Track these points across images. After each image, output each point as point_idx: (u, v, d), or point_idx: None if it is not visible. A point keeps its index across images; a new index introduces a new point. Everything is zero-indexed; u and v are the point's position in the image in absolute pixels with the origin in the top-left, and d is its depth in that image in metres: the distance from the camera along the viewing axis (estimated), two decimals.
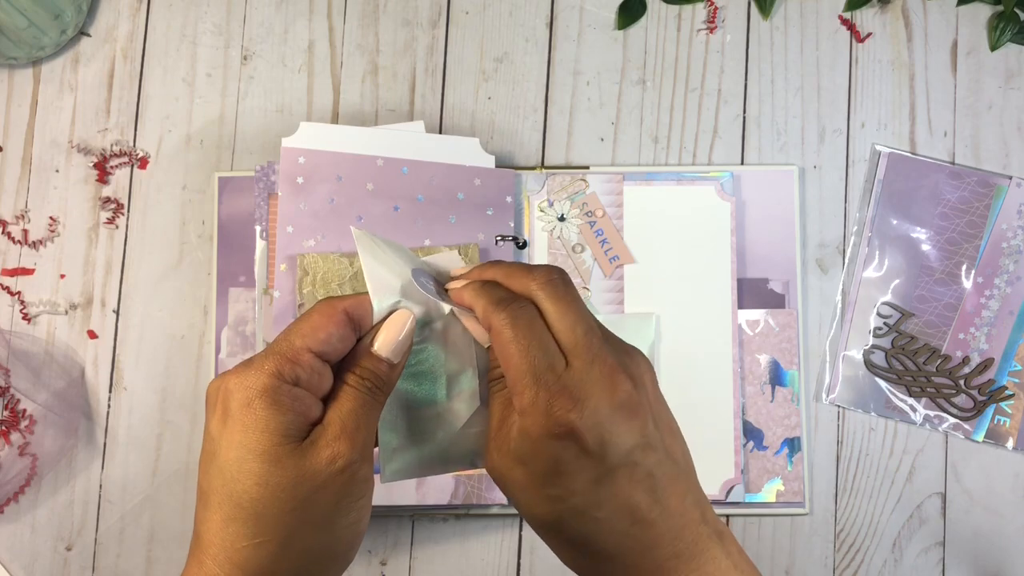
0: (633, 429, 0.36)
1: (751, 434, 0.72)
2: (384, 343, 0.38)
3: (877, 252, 0.74)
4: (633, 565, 0.36)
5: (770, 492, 0.71)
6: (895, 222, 0.74)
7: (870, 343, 0.74)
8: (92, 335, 0.75)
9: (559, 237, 0.74)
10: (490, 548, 0.72)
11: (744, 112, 0.77)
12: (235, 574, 0.35)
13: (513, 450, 0.36)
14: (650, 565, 0.36)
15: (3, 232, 0.76)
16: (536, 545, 0.73)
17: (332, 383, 0.38)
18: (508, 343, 0.36)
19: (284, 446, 0.35)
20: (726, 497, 0.71)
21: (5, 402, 0.74)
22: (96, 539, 0.73)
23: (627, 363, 0.37)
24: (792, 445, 0.72)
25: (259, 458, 0.35)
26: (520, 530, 0.73)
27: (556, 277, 0.38)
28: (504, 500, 0.70)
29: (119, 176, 0.77)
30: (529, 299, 0.38)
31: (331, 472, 0.35)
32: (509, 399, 0.37)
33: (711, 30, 0.77)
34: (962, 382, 0.73)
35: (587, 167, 0.76)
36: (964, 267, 0.74)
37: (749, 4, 0.78)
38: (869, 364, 0.73)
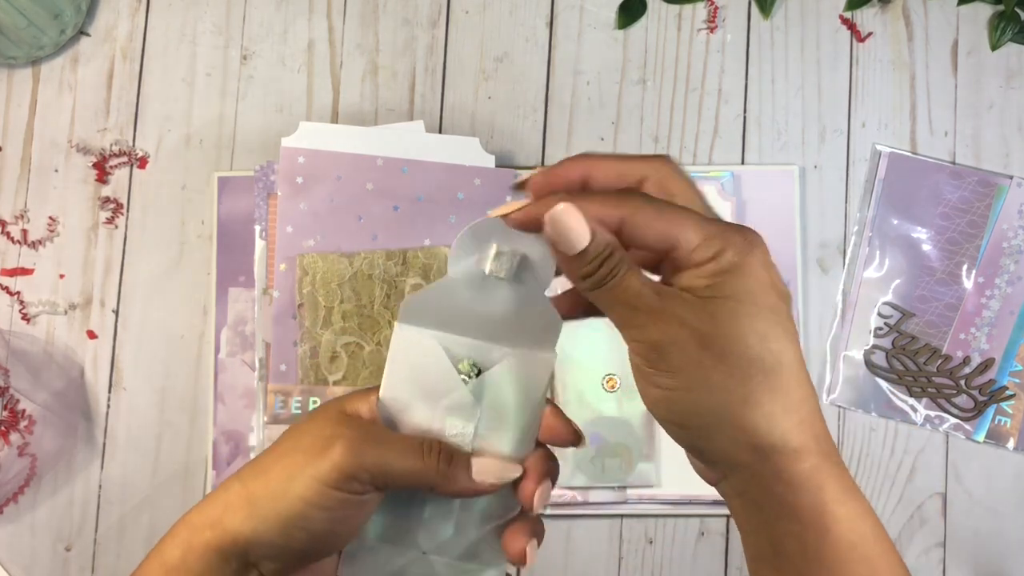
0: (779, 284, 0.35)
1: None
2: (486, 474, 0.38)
3: (878, 252, 0.74)
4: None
5: None
6: (896, 222, 0.74)
7: (871, 343, 0.74)
8: (91, 335, 0.75)
9: None
10: None
11: (744, 112, 0.76)
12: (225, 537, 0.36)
13: (714, 287, 0.33)
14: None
15: (2, 232, 0.76)
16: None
17: None
18: (656, 206, 0.34)
19: (339, 493, 0.35)
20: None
21: (4, 402, 0.74)
22: (95, 539, 0.73)
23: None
24: None
25: (312, 486, 0.35)
26: None
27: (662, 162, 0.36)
28: None
29: (118, 176, 0.77)
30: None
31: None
32: (640, 279, 0.34)
33: (711, 30, 0.77)
34: (963, 382, 0.73)
35: None
36: (965, 267, 0.74)
37: (749, 4, 0.77)
38: (870, 364, 0.73)
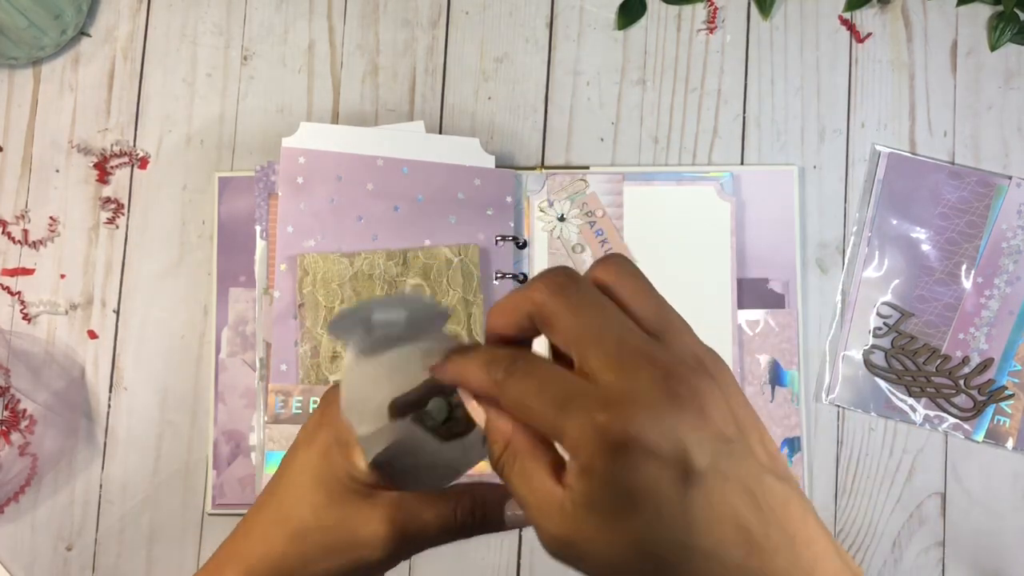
0: (707, 429, 0.28)
1: None
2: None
3: (877, 252, 0.74)
4: None
5: None
6: (895, 222, 0.74)
7: (870, 343, 0.74)
8: (92, 335, 0.75)
9: (559, 237, 0.74)
10: (490, 548, 0.72)
11: (744, 112, 0.77)
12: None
13: (577, 499, 0.28)
14: None
15: (3, 232, 0.76)
16: (536, 546, 0.72)
17: None
18: (521, 398, 0.30)
19: (347, 492, 0.36)
20: None
21: (5, 402, 0.74)
22: (96, 539, 0.73)
23: (686, 359, 0.29)
24: (792, 445, 0.72)
25: (320, 489, 0.36)
26: (520, 530, 0.73)
27: (554, 282, 0.30)
28: None
29: (119, 176, 0.77)
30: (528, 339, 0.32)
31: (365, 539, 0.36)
32: (541, 468, 0.30)
33: (711, 30, 0.77)
34: (962, 382, 0.73)
35: (587, 167, 0.76)
36: (964, 267, 0.74)
37: (749, 4, 0.78)
38: (869, 364, 0.73)
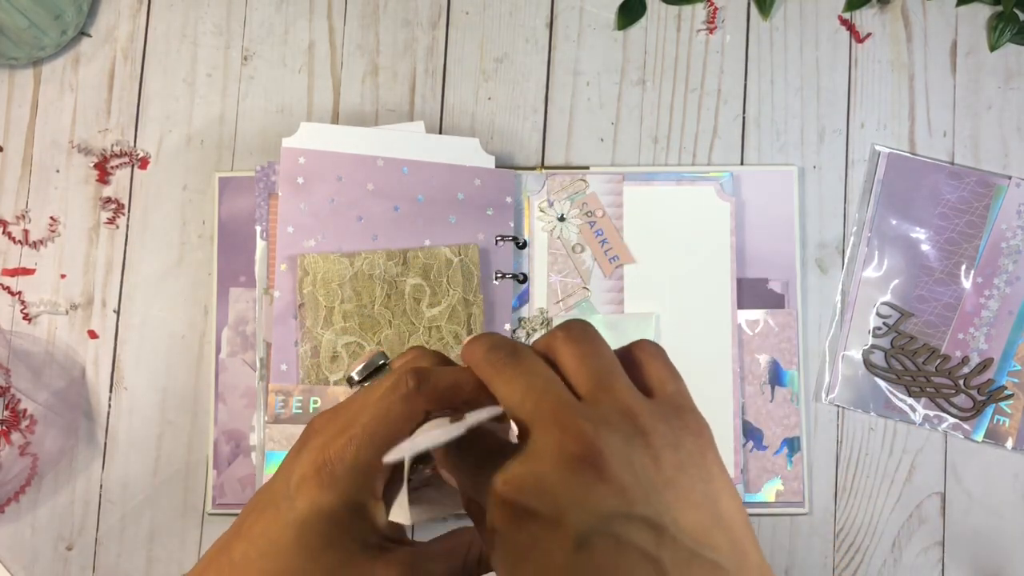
0: (601, 493, 0.27)
1: (751, 434, 0.72)
2: None
3: (876, 252, 0.74)
4: None
5: (770, 492, 0.72)
6: (894, 222, 0.75)
7: (869, 343, 0.74)
8: (92, 335, 0.75)
9: (559, 237, 0.74)
10: None
11: (744, 112, 0.77)
12: None
13: (492, 551, 0.30)
14: None
15: (4, 232, 0.76)
16: None
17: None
18: (452, 448, 0.32)
19: (365, 549, 0.35)
20: None
21: (6, 402, 0.74)
22: (97, 539, 0.73)
23: (609, 418, 0.29)
24: (792, 445, 0.72)
25: (334, 551, 0.34)
26: None
27: (491, 355, 0.32)
28: None
29: (119, 176, 0.77)
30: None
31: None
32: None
33: (711, 30, 0.77)
34: (961, 382, 0.73)
35: (587, 167, 0.76)
36: (963, 267, 0.74)
37: (749, 4, 0.78)
38: (868, 364, 0.74)
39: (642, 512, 0.28)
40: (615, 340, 0.34)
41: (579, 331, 0.32)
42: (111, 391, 0.75)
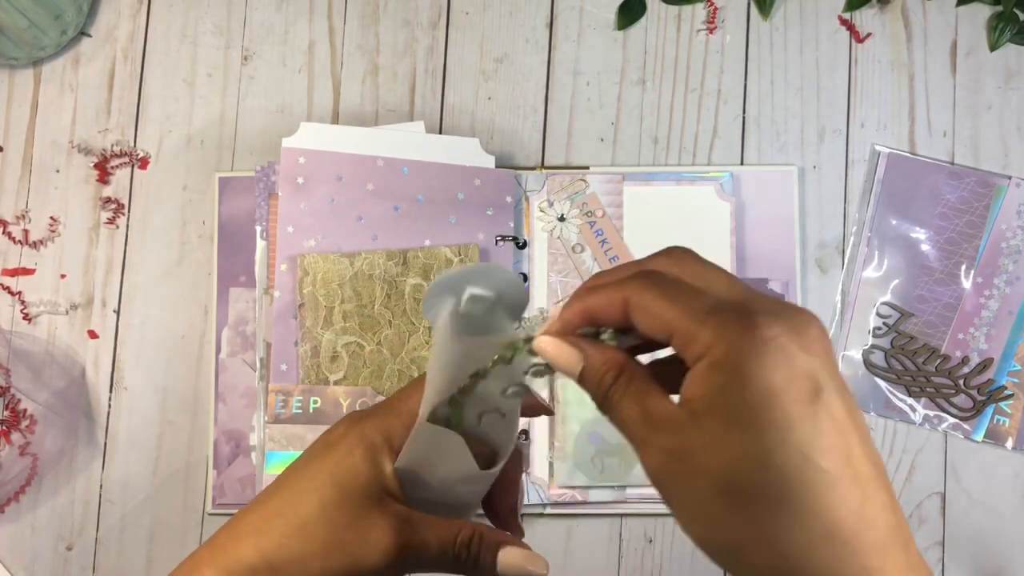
0: (826, 359, 0.28)
1: None
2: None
3: (876, 252, 0.74)
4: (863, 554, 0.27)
5: None
6: (894, 222, 0.75)
7: (869, 343, 0.74)
8: (92, 335, 0.75)
9: (559, 237, 0.74)
10: None
11: (744, 112, 0.77)
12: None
13: (699, 407, 0.28)
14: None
15: (4, 232, 0.76)
16: (536, 546, 0.72)
17: None
18: (655, 302, 0.30)
19: (362, 494, 0.36)
20: None
21: (6, 402, 0.74)
22: (97, 539, 0.73)
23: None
24: None
25: (334, 488, 0.36)
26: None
27: (646, 278, 0.31)
28: None
29: (120, 176, 0.77)
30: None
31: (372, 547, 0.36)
32: (654, 388, 0.31)
33: (711, 30, 0.77)
34: (961, 382, 0.73)
35: (587, 167, 0.76)
36: (963, 267, 0.74)
37: (749, 4, 0.78)
38: (868, 364, 0.74)
39: (846, 388, 0.29)
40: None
41: (693, 255, 0.33)
42: (111, 391, 0.75)
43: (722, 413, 0.28)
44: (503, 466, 0.39)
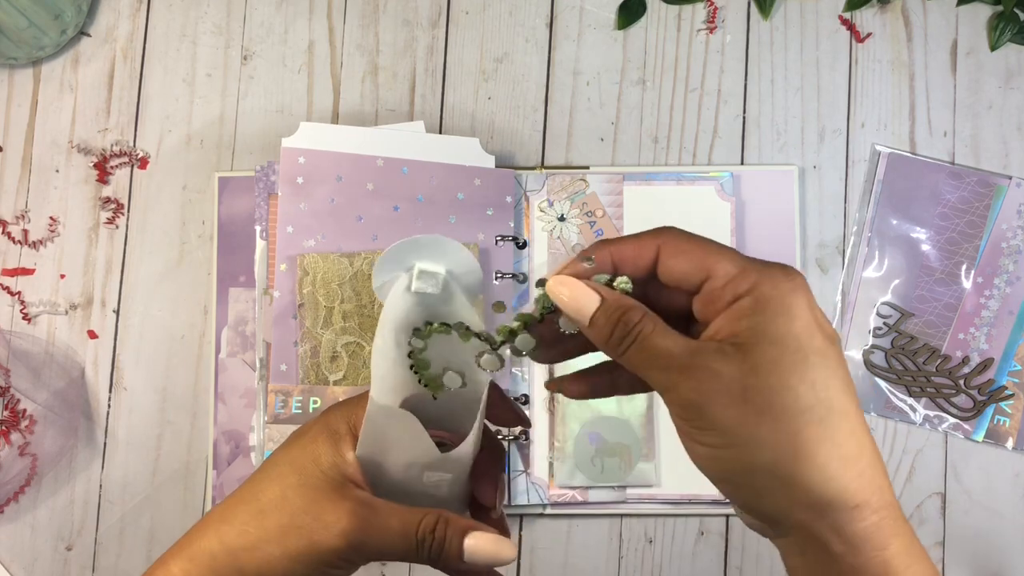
0: (823, 318, 0.32)
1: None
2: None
3: (877, 252, 0.74)
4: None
5: None
6: (895, 222, 0.74)
7: (870, 343, 0.74)
8: (92, 335, 0.75)
9: (559, 237, 0.74)
10: None
11: (744, 112, 0.77)
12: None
13: (751, 331, 0.31)
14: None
15: (3, 232, 0.76)
16: (536, 545, 0.73)
17: None
18: (689, 237, 0.33)
19: (322, 479, 0.36)
20: (726, 497, 0.71)
21: (5, 402, 0.74)
22: (96, 539, 0.73)
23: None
24: None
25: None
26: (520, 530, 0.73)
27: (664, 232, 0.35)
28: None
29: (119, 176, 0.77)
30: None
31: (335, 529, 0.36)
32: (670, 329, 0.32)
33: (711, 30, 0.77)
34: (962, 382, 0.73)
35: (587, 167, 0.76)
36: (964, 267, 0.74)
37: (749, 4, 0.78)
38: (869, 364, 0.73)
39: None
40: None
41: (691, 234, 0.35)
42: (111, 391, 0.74)
43: (772, 341, 0.30)
44: (473, 454, 0.39)
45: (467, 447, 0.38)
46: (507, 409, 0.41)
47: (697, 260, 0.32)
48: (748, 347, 0.30)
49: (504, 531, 0.40)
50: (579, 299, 0.33)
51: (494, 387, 0.39)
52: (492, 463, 0.41)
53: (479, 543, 0.36)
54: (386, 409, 0.37)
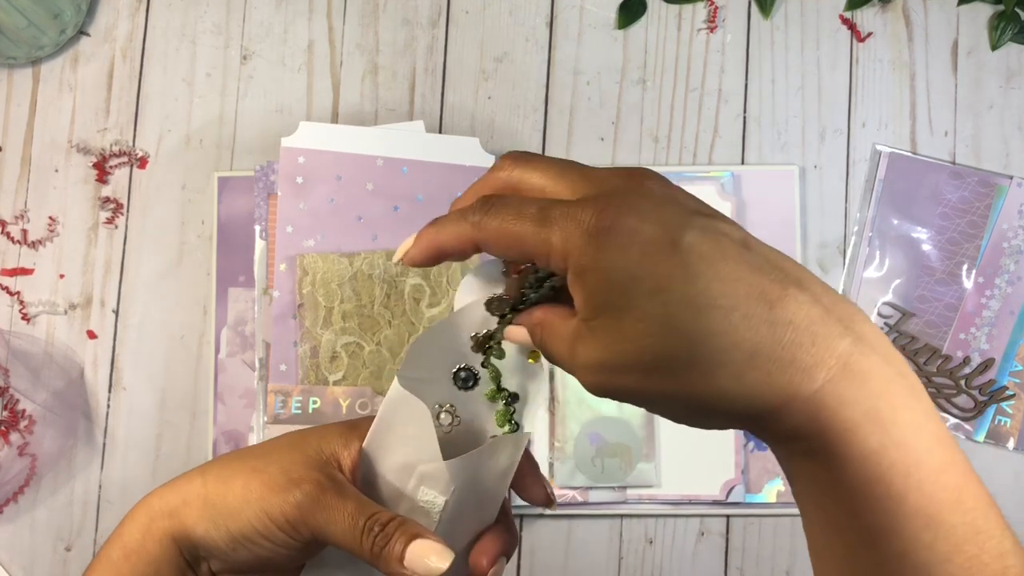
0: (679, 206, 0.29)
1: (751, 435, 0.72)
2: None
3: (878, 252, 0.74)
4: (788, 376, 0.27)
5: (770, 493, 0.71)
6: (896, 222, 0.74)
7: None
8: (91, 335, 0.75)
9: None
10: None
11: (744, 112, 0.77)
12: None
13: (586, 312, 0.30)
14: (809, 380, 0.27)
15: (2, 232, 0.76)
16: (536, 546, 0.72)
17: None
18: (502, 227, 0.31)
19: (283, 535, 0.36)
20: (726, 497, 0.71)
21: (4, 402, 0.74)
22: (96, 539, 0.73)
23: (633, 175, 0.32)
24: None
25: (262, 519, 0.36)
26: (520, 531, 0.73)
27: (504, 162, 0.33)
28: None
29: (118, 176, 0.77)
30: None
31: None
32: (561, 319, 0.32)
33: (711, 30, 0.77)
34: (963, 382, 0.73)
35: None
36: (965, 267, 0.74)
37: (749, 4, 0.77)
38: None
39: (719, 220, 0.29)
40: None
41: (517, 157, 0.34)
42: (110, 391, 0.74)
43: (605, 310, 0.29)
44: (484, 518, 0.38)
45: (473, 458, 0.37)
46: (537, 483, 0.39)
47: (511, 247, 0.31)
48: (592, 326, 0.30)
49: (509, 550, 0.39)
50: (520, 340, 0.35)
51: (528, 457, 0.38)
52: (501, 540, 0.39)
53: (424, 549, 0.34)
54: (404, 395, 0.36)
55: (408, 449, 0.37)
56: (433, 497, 0.37)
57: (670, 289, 0.28)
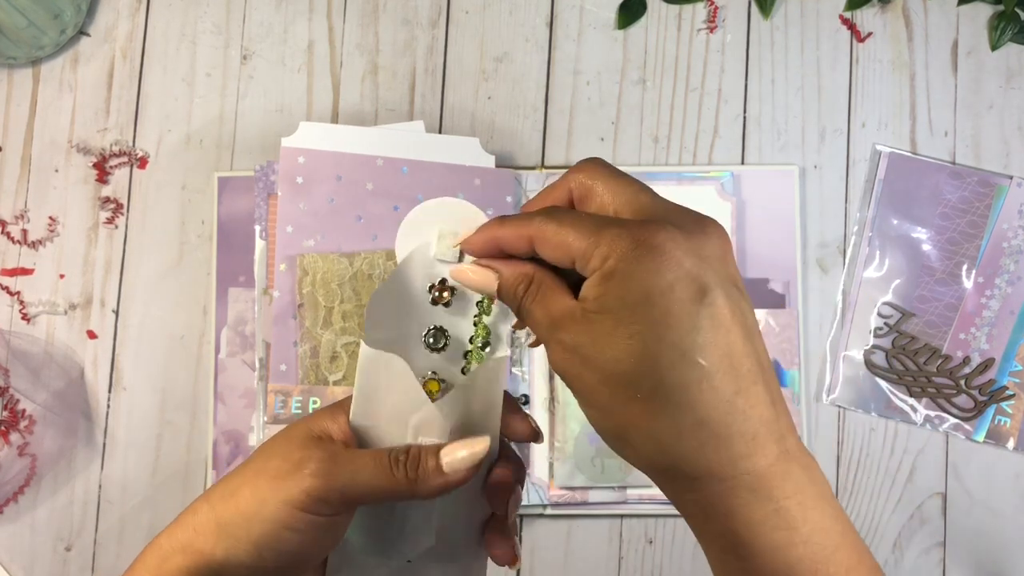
0: (721, 264, 0.31)
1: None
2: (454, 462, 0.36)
3: (878, 252, 0.74)
4: (740, 457, 0.30)
5: None
6: (896, 222, 0.74)
7: (870, 343, 0.74)
8: (91, 335, 0.75)
9: None
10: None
11: (744, 112, 0.77)
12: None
13: (591, 305, 0.31)
14: (753, 466, 0.30)
15: (3, 232, 0.76)
16: (537, 546, 0.72)
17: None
18: (559, 229, 0.32)
19: (310, 516, 0.36)
20: None
21: (4, 402, 0.74)
22: (96, 539, 0.73)
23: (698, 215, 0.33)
24: None
25: (283, 510, 0.36)
26: (520, 531, 0.73)
27: (582, 168, 0.35)
28: None
29: (118, 176, 0.77)
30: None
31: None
32: (558, 290, 0.34)
33: (711, 30, 0.77)
34: (963, 382, 0.73)
35: None
36: (965, 267, 0.74)
37: (749, 4, 0.77)
38: (870, 364, 0.73)
39: (745, 297, 0.32)
40: None
41: (594, 169, 0.35)
42: (110, 391, 0.74)
43: (609, 312, 0.31)
44: (485, 464, 0.38)
45: (460, 393, 0.37)
46: (520, 420, 0.40)
47: (558, 247, 0.33)
48: (591, 315, 0.31)
49: (511, 541, 0.40)
50: (481, 279, 0.36)
51: (507, 397, 0.39)
52: (509, 476, 0.40)
53: (455, 448, 0.36)
54: (375, 355, 0.37)
55: (395, 404, 0.38)
56: (433, 443, 0.38)
57: (673, 328, 0.30)
